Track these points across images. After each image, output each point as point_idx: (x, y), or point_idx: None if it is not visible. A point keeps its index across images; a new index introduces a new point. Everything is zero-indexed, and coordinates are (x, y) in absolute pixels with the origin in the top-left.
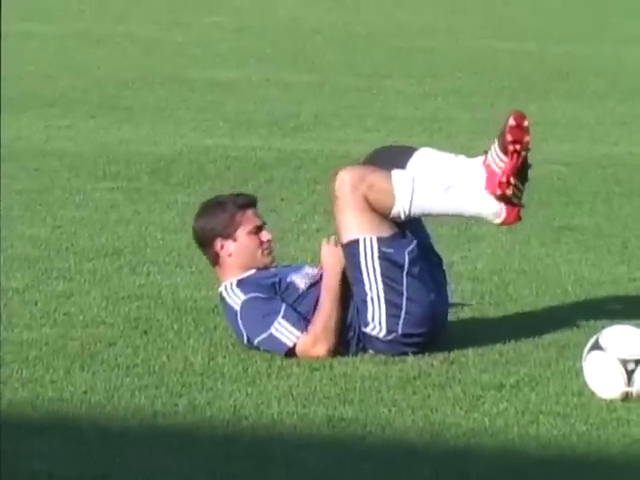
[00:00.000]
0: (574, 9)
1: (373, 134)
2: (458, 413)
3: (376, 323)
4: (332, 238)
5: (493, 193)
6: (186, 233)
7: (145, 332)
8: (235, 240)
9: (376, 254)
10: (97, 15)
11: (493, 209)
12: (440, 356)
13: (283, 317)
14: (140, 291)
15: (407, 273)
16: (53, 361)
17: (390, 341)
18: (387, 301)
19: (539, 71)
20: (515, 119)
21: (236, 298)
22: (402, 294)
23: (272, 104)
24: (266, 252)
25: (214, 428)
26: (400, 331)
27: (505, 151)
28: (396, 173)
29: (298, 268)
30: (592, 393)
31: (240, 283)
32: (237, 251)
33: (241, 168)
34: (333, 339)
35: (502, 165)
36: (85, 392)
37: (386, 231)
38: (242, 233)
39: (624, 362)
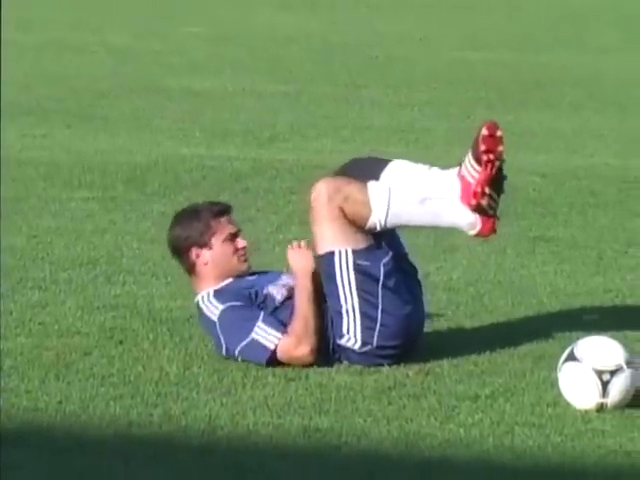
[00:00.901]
0: (551, 19)
1: (349, 144)
2: (433, 424)
3: (351, 335)
4: (298, 242)
5: (468, 204)
6: (162, 243)
7: (120, 342)
8: (210, 248)
9: (351, 266)
10: (73, 24)
11: (468, 220)
12: (415, 367)
13: (263, 321)
14: (115, 301)
15: (382, 285)
16: (28, 371)
17: (365, 353)
18: (362, 313)
19: (515, 81)
20: (488, 129)
21: (214, 308)
22: (377, 306)
23: (248, 114)
24: (242, 259)
25: (189, 438)
26: (375, 343)
27: (479, 161)
28: (372, 185)
29: (274, 278)
30: (567, 404)
31: (217, 293)
32: (213, 259)
33: (217, 178)
34: (314, 339)
35: (476, 175)
36: (60, 402)
37: (361, 243)
38: (217, 241)
39: (599, 373)
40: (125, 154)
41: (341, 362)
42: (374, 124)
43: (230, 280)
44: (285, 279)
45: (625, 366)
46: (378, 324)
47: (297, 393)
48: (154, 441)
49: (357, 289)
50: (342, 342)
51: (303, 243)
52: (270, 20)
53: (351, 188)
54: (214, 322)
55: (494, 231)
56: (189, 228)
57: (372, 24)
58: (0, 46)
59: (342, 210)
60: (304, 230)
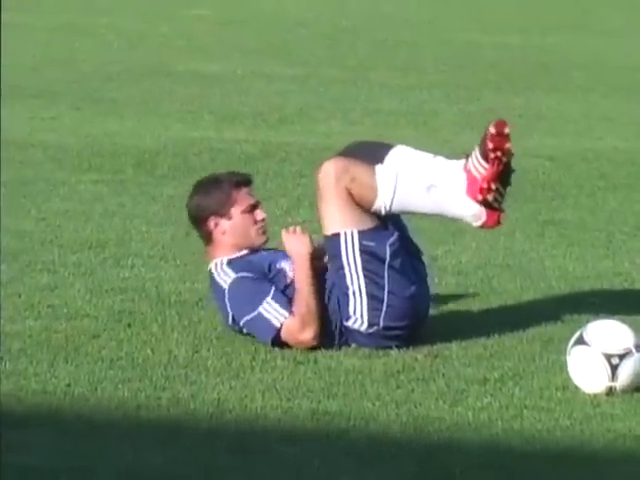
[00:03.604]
0: (558, 2)
1: (358, 127)
2: (442, 407)
3: (358, 316)
4: (294, 227)
5: (474, 198)
6: (171, 226)
7: (129, 325)
8: (229, 218)
9: (357, 247)
10: (82, 7)
11: (473, 211)
12: (424, 350)
13: (272, 298)
14: (124, 284)
15: (388, 266)
16: (37, 353)
17: (372, 334)
18: (368, 294)
19: (523, 65)
20: (496, 127)
21: (225, 277)
22: (383, 287)
23: (257, 97)
24: (260, 231)
25: (197, 421)
26: (382, 324)
27: (486, 158)
28: (380, 168)
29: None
30: (576, 388)
31: (231, 262)
32: (231, 229)
33: (226, 161)
34: (317, 323)
35: (483, 172)
36: (69, 385)
37: (368, 223)
38: (237, 211)
39: (608, 357)
40: (134, 137)
41: (349, 345)
42: (382, 107)
43: (246, 252)
44: None
45: (634, 350)
46: (384, 305)
47: (306, 376)
48: (162, 424)
49: (363, 270)
50: (349, 324)
51: (298, 228)
52: (278, 3)
53: (359, 170)
54: (224, 290)
55: (499, 223)
56: (209, 197)
57: (380, 7)
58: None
59: (349, 191)
60: (313, 212)
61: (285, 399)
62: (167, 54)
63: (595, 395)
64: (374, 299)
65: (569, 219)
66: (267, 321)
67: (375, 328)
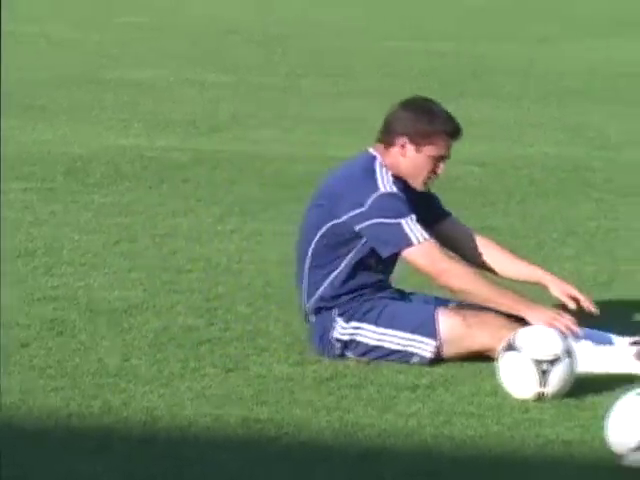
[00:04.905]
0: (488, 10)
1: (289, 134)
2: (372, 414)
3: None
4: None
5: None
6: (102, 234)
7: (59, 333)
8: (418, 152)
9: None
10: (12, 15)
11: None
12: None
13: (417, 221)
14: (55, 292)
15: None
16: None
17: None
18: None
19: (454, 71)
20: None
21: (385, 182)
22: None
23: (189, 104)
24: (428, 181)
25: (129, 429)
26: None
27: None
28: None
29: None
30: (506, 393)
31: (396, 181)
32: (412, 160)
33: (157, 168)
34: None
35: None
36: None
37: None
38: (428, 151)
39: (538, 363)
40: (65, 145)
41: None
42: (314, 114)
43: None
44: None
45: (563, 356)
46: None
47: (236, 384)
48: (94, 433)
49: None
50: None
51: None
52: (210, 10)
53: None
54: (377, 188)
55: None
56: (419, 122)
57: (312, 14)
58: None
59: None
60: (244, 220)
61: (215, 407)
62: (99, 61)
63: (525, 401)
64: None
65: (499, 226)
66: (404, 232)
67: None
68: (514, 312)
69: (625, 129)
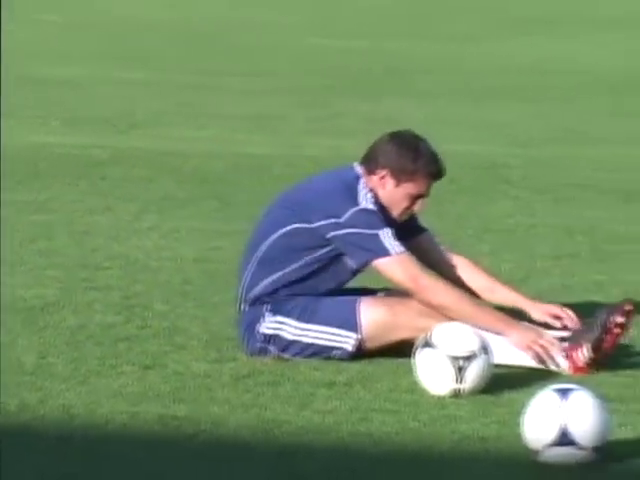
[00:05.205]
0: (404, 7)
1: (208, 132)
2: (290, 411)
3: None
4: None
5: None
6: (19, 232)
7: None
8: (397, 186)
9: None
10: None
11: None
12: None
13: (392, 235)
14: None
15: None
16: None
17: None
18: None
19: (370, 69)
20: (628, 305)
21: (364, 199)
22: None
23: (107, 102)
24: (403, 216)
25: (45, 427)
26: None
27: (607, 330)
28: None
29: None
30: (423, 390)
31: (375, 201)
32: (390, 194)
33: (75, 165)
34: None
35: (589, 361)
36: None
37: None
38: (406, 189)
39: (454, 359)
40: None
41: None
42: (232, 112)
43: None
44: None
45: (479, 353)
46: None
47: (153, 382)
48: (10, 431)
49: None
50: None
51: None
52: (129, 7)
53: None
54: (357, 202)
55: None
56: (402, 158)
57: (230, 12)
58: None
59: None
60: (162, 217)
61: (133, 404)
62: (15, 59)
63: (441, 397)
64: None
65: None
66: (381, 243)
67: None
68: (496, 331)
69: (541, 126)
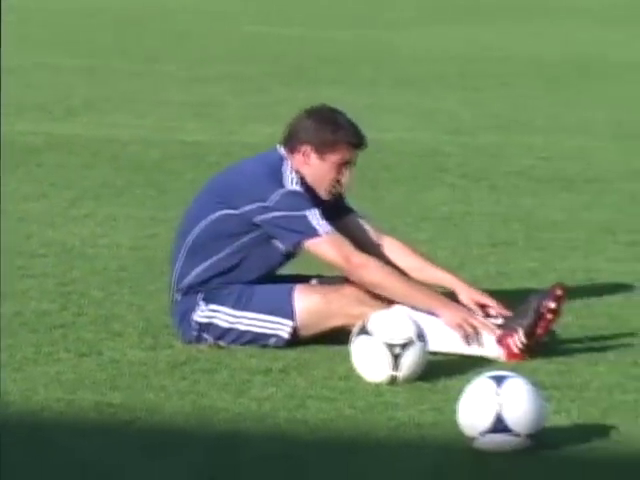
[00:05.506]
0: None
1: (144, 119)
2: (226, 398)
3: None
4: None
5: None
6: None
7: None
8: (320, 159)
9: None
10: None
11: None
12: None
13: (319, 215)
14: None
15: None
16: None
17: None
18: None
19: (309, 57)
20: (560, 289)
21: (288, 180)
22: None
23: (42, 88)
24: (332, 190)
25: None
26: None
27: (540, 316)
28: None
29: None
30: (359, 377)
31: (300, 182)
32: (315, 168)
33: (10, 152)
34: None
35: (522, 347)
36: None
37: None
38: (330, 160)
39: (390, 347)
40: None
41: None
42: (169, 99)
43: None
44: None
45: (416, 339)
46: None
47: (89, 369)
48: None
49: None
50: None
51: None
52: None
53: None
54: (281, 182)
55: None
56: (320, 131)
57: None
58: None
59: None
60: (98, 204)
61: (69, 392)
62: None
63: (378, 384)
64: None
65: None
66: (309, 224)
67: None
68: (428, 308)
69: (478, 114)
